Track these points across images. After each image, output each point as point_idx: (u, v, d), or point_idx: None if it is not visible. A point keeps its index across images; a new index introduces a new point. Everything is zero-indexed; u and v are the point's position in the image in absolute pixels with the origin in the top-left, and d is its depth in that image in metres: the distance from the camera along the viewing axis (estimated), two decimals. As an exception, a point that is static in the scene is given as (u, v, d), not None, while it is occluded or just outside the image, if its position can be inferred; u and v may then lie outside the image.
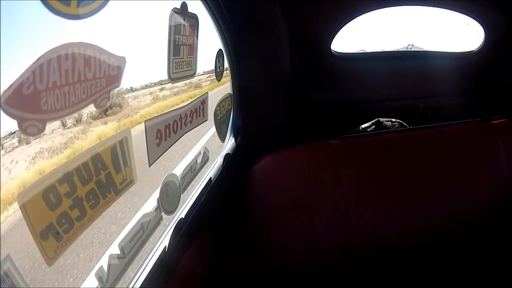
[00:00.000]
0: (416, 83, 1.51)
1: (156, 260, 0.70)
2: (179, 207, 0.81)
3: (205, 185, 0.96)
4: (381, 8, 1.35)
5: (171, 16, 0.72)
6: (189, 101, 0.84)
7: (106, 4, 0.46)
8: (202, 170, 0.95)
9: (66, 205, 0.44)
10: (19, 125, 0.35)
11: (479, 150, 1.26)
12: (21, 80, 0.35)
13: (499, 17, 1.35)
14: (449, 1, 1.34)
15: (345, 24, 1.34)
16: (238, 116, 1.21)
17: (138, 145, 0.63)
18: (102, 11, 0.45)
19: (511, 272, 1.18)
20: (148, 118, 0.65)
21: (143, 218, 0.66)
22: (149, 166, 0.67)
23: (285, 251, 1.19)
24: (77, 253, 2.28)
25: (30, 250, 1.95)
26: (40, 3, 0.37)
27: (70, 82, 0.41)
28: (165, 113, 0.72)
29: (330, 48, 1.40)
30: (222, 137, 1.13)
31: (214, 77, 1.03)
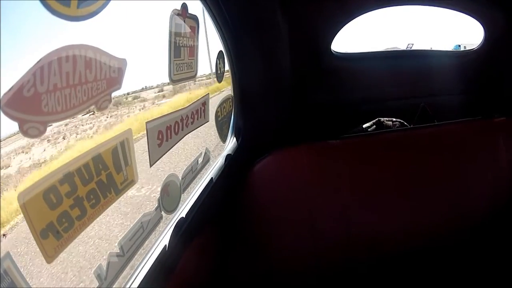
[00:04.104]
0: (416, 83, 1.51)
1: (156, 258, 0.70)
2: (179, 206, 0.81)
3: (206, 185, 0.96)
4: (381, 8, 1.35)
5: (171, 18, 0.72)
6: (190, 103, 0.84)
7: (106, 5, 0.46)
8: (203, 170, 0.95)
9: (67, 205, 0.45)
10: (20, 127, 0.35)
11: (479, 148, 1.25)
12: (21, 83, 0.35)
13: (498, 15, 1.34)
14: (449, 0, 1.34)
15: (345, 24, 1.34)
16: (239, 117, 1.22)
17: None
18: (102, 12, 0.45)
19: (510, 271, 1.17)
20: (149, 120, 0.66)
21: (143, 218, 0.66)
22: (150, 166, 0.67)
23: (285, 251, 1.19)
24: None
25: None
26: (39, 3, 0.37)
27: (70, 84, 0.42)
28: (167, 114, 0.72)
29: (330, 48, 1.40)
30: (223, 138, 1.13)
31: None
